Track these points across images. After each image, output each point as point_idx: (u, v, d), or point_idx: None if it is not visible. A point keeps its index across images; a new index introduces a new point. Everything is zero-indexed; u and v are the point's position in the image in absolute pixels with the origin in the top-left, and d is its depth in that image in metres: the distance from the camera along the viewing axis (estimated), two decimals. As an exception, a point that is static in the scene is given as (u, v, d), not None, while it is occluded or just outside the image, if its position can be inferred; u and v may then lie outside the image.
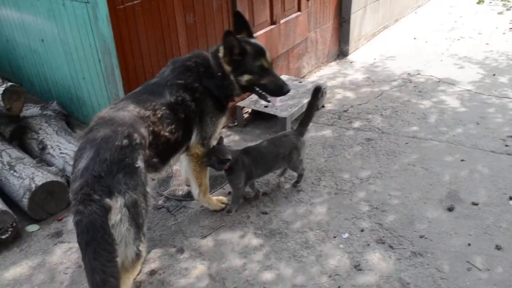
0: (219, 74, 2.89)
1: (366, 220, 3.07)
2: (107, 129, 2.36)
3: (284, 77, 4.82)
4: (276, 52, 4.66)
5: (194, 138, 2.94)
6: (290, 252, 2.84)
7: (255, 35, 4.27)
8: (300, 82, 4.73)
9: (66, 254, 2.90)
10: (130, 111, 2.55)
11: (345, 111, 4.55)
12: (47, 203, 3.15)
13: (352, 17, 6.00)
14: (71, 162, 3.22)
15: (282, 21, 4.69)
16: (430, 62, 5.91)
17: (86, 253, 2.09)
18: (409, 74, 5.50)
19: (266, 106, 4.15)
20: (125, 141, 2.31)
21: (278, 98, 3.14)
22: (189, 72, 2.86)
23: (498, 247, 2.85)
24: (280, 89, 3.04)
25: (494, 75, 5.39)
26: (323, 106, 4.65)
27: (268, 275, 2.68)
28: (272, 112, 4.06)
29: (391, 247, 2.86)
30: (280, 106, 4.10)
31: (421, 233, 2.96)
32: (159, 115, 2.64)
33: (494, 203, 3.20)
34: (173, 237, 3.00)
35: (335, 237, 2.95)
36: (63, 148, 3.41)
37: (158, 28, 3.38)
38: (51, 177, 3.17)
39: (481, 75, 5.42)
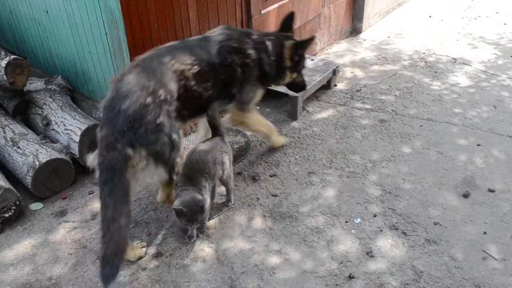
0: (273, 59, 3.13)
1: (379, 205, 2.98)
2: (136, 83, 2.51)
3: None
4: (288, 28, 4.51)
5: (233, 103, 3.13)
6: (300, 237, 2.76)
7: (268, 9, 4.19)
8: (312, 59, 4.58)
9: (70, 233, 2.83)
10: (164, 63, 2.65)
11: (358, 90, 4.42)
12: (51, 181, 3.08)
13: (366, -8, 5.81)
14: (76, 139, 3.19)
15: (294, -5, 4.53)
16: (445, 41, 5.73)
17: (102, 191, 2.37)
18: (423, 53, 5.33)
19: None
20: (148, 99, 2.48)
21: None
22: (248, 40, 3.05)
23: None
24: (303, 88, 3.55)
25: (511, 56, 5.22)
26: (335, 85, 4.51)
27: (277, 260, 2.62)
28: (283, 91, 3.93)
29: (404, 233, 2.78)
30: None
31: (435, 220, 2.87)
32: (195, 71, 2.73)
33: (511, 191, 3.10)
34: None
35: (346, 222, 2.87)
36: (67, 124, 3.32)
37: (167, 1, 3.24)
38: (56, 155, 3.09)
39: (497, 56, 5.24)
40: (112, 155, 2.38)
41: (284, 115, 3.97)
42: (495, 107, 4.09)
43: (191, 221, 2.57)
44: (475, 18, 6.69)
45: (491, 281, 2.49)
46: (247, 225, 2.86)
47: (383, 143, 3.62)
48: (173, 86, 2.61)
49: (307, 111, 4.06)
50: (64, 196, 3.13)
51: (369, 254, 2.64)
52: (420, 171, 3.29)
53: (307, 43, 3.27)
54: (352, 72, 4.85)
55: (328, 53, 5.39)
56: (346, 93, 4.37)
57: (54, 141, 3.32)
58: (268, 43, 3.12)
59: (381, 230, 2.80)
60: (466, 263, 2.60)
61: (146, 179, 2.67)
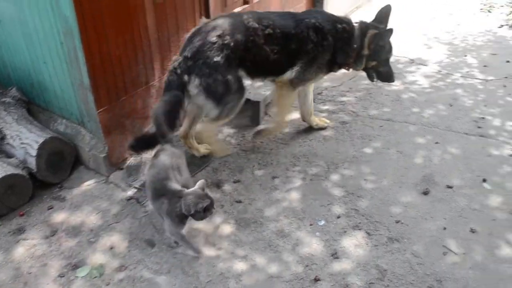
0: (355, 46, 3.35)
1: (342, 206, 3.02)
2: (212, 25, 3.07)
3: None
4: (247, 33, 4.53)
5: (290, 74, 3.32)
6: (266, 242, 2.77)
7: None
8: (273, 64, 4.61)
9: (29, 251, 2.74)
10: (241, 20, 3.12)
11: (319, 93, 4.47)
12: (7, 197, 2.96)
13: (325, -4, 5.89)
14: (33, 153, 3.10)
15: (255, 1, 4.54)
16: (403, 42, 5.86)
17: (160, 100, 3.05)
18: (381, 54, 5.45)
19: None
20: (214, 39, 2.97)
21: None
22: (331, 24, 3.28)
23: (472, 230, 2.85)
24: (390, 78, 3.63)
25: (465, 56, 5.40)
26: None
27: (243, 266, 2.61)
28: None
29: (367, 233, 2.83)
30: (252, 89, 3.99)
31: (397, 218, 2.93)
32: (267, 32, 3.11)
33: (468, 186, 3.21)
34: (143, 230, 2.88)
35: (311, 224, 2.89)
36: (23, 137, 3.21)
37: (124, 8, 3.18)
38: (11, 170, 2.98)
39: (452, 55, 5.43)
40: (172, 78, 3.03)
41: (247, 120, 3.97)
42: (451, 106, 4.22)
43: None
44: (430, 20, 6.89)
45: (452, 275, 2.56)
46: (211, 233, 2.84)
47: (344, 144, 3.67)
48: (240, 37, 3.04)
49: (269, 116, 4.07)
50: (21, 213, 3.02)
51: (334, 256, 2.67)
52: (381, 171, 3.35)
53: (386, 34, 3.38)
54: (313, 75, 4.90)
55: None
56: (308, 96, 4.42)
57: (9, 156, 3.21)
58: (355, 32, 3.36)
59: (345, 231, 2.84)
60: (427, 259, 2.66)
61: (199, 105, 3.18)
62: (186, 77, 2.99)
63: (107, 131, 3.30)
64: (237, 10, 4.26)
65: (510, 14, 7.19)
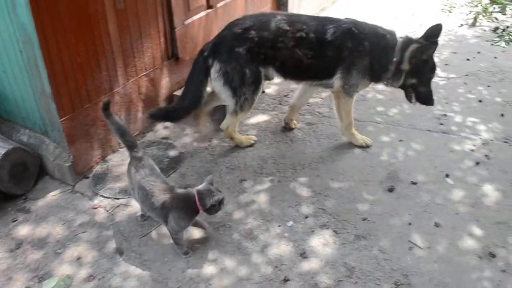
0: (394, 60, 3.26)
1: (310, 206, 3.06)
2: (241, 20, 3.31)
3: (222, 63, 4.71)
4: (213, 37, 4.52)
5: (337, 81, 3.37)
6: (235, 245, 2.77)
7: (192, 19, 4.17)
8: (239, 67, 4.63)
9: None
10: (273, 19, 3.25)
11: (285, 95, 4.50)
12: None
13: (290, -1, 5.95)
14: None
15: (219, 5, 4.54)
16: (367, 43, 5.98)
17: (187, 77, 3.45)
18: (347, 55, 5.54)
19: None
20: (240, 31, 3.21)
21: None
22: (370, 32, 3.28)
23: (436, 225, 2.92)
24: (429, 100, 3.45)
25: (427, 54, 5.53)
26: (263, 92, 4.57)
27: (213, 270, 2.61)
28: (211, 100, 3.94)
29: (335, 232, 2.87)
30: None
31: (364, 216, 2.98)
32: (298, 36, 3.21)
33: (431, 181, 3.29)
34: (111, 239, 2.84)
35: (279, 225, 2.91)
36: (-16, 150, 3.14)
37: (84, 15, 3.14)
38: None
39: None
40: (199, 58, 3.35)
41: (215, 124, 3.97)
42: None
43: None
44: (393, 20, 7.03)
45: (417, 269, 2.62)
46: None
47: (311, 145, 3.71)
48: (267, 35, 3.20)
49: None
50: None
51: (303, 255, 2.70)
52: (348, 170, 3.41)
53: (429, 48, 3.23)
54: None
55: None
56: (274, 99, 4.44)
57: (-31, 168, 3.13)
58: (397, 44, 3.26)
59: (313, 231, 2.87)
60: (394, 254, 2.71)
61: (216, 90, 3.38)
62: (210, 61, 3.26)
63: (72, 140, 3.25)
64: (201, 14, 4.26)
65: (469, 13, 7.40)
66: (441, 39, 6.09)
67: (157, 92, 3.99)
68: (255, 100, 3.42)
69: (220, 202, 2.58)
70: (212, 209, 2.58)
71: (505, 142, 3.78)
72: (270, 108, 4.27)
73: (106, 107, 2.70)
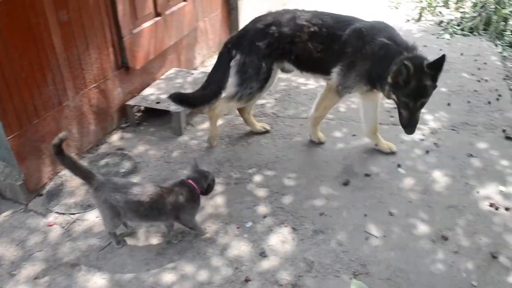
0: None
1: (268, 206, 3.09)
2: (264, 17, 3.48)
3: (174, 70, 4.69)
4: (164, 45, 4.51)
5: (334, 76, 3.35)
6: (194, 250, 2.77)
7: (141, 27, 4.14)
8: (192, 73, 4.63)
9: None
10: (291, 16, 3.39)
11: (239, 99, 4.54)
12: None
13: (240, 3, 5.99)
14: None
15: (167, 12, 4.53)
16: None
17: (212, 68, 3.65)
18: (298, 56, 5.63)
19: (158, 102, 4.01)
20: (262, 26, 3.38)
21: None
22: (377, 39, 3.17)
23: (391, 214, 3.02)
24: (405, 126, 3.16)
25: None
26: (217, 97, 4.60)
27: (173, 277, 2.59)
28: (164, 108, 3.93)
29: (293, 229, 2.91)
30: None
31: (321, 211, 3.04)
32: (312, 30, 3.29)
33: (384, 172, 3.39)
34: (68, 255, 2.78)
35: (238, 227, 2.93)
36: None
37: (25, 28, 3.06)
38: None
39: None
40: (223, 50, 3.55)
41: (169, 132, 3.96)
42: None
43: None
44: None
45: (374, 258, 2.69)
46: (139, 249, 2.80)
47: (267, 146, 3.75)
48: (287, 31, 3.32)
49: (192, 125, 4.09)
50: None
51: (262, 255, 2.72)
52: (303, 167, 3.46)
53: (408, 70, 2.89)
54: (233, 82, 4.97)
55: (209, 65, 5.45)
56: (229, 103, 4.47)
57: None
58: (402, 55, 3.03)
59: (272, 229, 2.90)
60: (351, 245, 2.78)
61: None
62: (233, 52, 3.44)
63: (22, 157, 3.16)
64: (149, 23, 4.24)
65: (415, 9, 7.67)
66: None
67: (109, 103, 3.94)
68: (255, 96, 3.55)
69: (213, 180, 2.77)
70: (209, 189, 2.77)
71: (453, 129, 3.94)
72: (225, 112, 4.29)
73: (58, 150, 2.52)
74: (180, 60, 4.97)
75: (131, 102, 4.06)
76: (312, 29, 3.30)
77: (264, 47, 3.35)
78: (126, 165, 3.56)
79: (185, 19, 4.86)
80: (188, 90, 4.18)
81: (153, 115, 4.18)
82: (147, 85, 4.38)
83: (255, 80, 3.42)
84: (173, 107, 3.86)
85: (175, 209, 2.65)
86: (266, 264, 2.66)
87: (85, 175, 2.61)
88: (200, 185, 2.70)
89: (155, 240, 2.85)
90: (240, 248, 2.77)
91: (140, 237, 2.88)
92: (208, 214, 3.03)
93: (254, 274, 2.59)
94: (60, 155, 2.51)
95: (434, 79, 2.99)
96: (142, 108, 4.25)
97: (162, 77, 4.54)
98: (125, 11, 3.88)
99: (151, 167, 3.53)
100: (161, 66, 4.63)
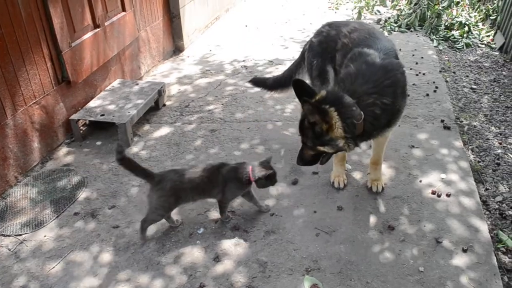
0: None
1: (218, 211, 3.10)
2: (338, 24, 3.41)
3: (119, 81, 4.63)
4: (105, 57, 4.45)
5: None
6: (147, 261, 2.74)
7: (80, 40, 4.07)
8: (137, 84, 4.59)
9: None
10: (347, 24, 3.33)
11: (186, 106, 4.54)
12: None
13: (182, 11, 6.00)
14: None
15: (107, 23, 4.48)
16: (262, 46, 6.19)
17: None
18: (243, 60, 5.70)
19: (102, 115, 3.95)
20: (320, 27, 3.50)
21: None
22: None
23: (339, 208, 3.10)
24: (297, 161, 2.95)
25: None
26: (164, 105, 4.58)
27: (127, 290, 2.57)
28: (109, 120, 3.87)
29: (245, 231, 2.94)
30: (117, 111, 3.94)
31: (272, 211, 3.09)
32: (344, 41, 3.17)
33: (331, 169, 3.47)
34: (17, 278, 2.68)
35: (190, 234, 2.93)
36: None
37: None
38: None
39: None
40: (303, 50, 3.63)
41: (117, 144, 3.89)
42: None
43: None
44: (286, 22, 7.34)
45: (325, 253, 2.76)
46: (91, 265, 2.74)
47: (216, 151, 3.77)
48: (333, 33, 3.29)
49: (139, 135, 4.05)
50: None
51: (216, 259, 2.73)
52: (252, 170, 3.50)
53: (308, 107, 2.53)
54: (179, 89, 4.96)
55: (154, 74, 5.44)
56: (176, 111, 4.46)
57: None
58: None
59: (224, 234, 2.92)
60: (302, 243, 2.83)
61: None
62: (306, 51, 3.52)
63: (-40, 182, 3.04)
64: (88, 35, 4.17)
65: (354, 9, 7.92)
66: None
67: (52, 119, 3.84)
68: None
69: (268, 178, 2.80)
70: (259, 182, 2.81)
71: (394, 123, 4.09)
72: (172, 120, 4.28)
73: (121, 157, 2.75)
74: (124, 71, 4.92)
75: (74, 117, 3.98)
76: (344, 41, 3.16)
77: (317, 44, 3.39)
78: (74, 180, 3.48)
79: (126, 29, 4.82)
80: (135, 100, 4.15)
81: (99, 128, 4.11)
82: (91, 98, 4.31)
83: (312, 77, 3.44)
84: (118, 119, 3.81)
85: (222, 185, 2.84)
86: (220, 268, 2.67)
87: (147, 175, 2.83)
88: (253, 174, 2.80)
89: (107, 255, 2.80)
90: (194, 254, 2.78)
91: (93, 250, 2.83)
92: (161, 224, 3.00)
93: (209, 280, 2.60)
94: (123, 161, 2.76)
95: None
96: (87, 121, 4.17)
97: (107, 89, 4.47)
98: (61, 25, 3.80)
99: (99, 181, 3.47)
100: (105, 78, 4.56)
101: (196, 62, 5.75)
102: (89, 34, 4.21)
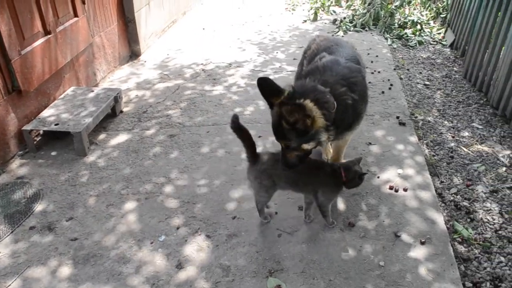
0: None
1: (180, 217, 3.07)
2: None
3: (73, 88, 4.51)
4: (58, 64, 4.32)
5: None
6: (108, 272, 2.68)
7: (31, 47, 3.93)
8: (92, 91, 4.48)
9: None
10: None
11: (144, 112, 4.47)
12: None
13: (137, 15, 5.90)
14: None
15: (58, 30, 4.35)
16: (220, 49, 6.18)
17: None
18: (202, 63, 5.67)
19: (56, 124, 3.83)
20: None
21: None
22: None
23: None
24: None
25: (276, 52, 5.88)
26: (121, 111, 4.49)
27: (87, 304, 2.50)
28: (64, 129, 3.76)
29: (207, 236, 2.92)
30: (72, 120, 3.84)
31: (233, 214, 3.08)
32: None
33: (291, 169, 3.49)
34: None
35: (152, 242, 2.88)
36: None
37: None
38: None
39: (263, 54, 5.89)
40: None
41: (73, 153, 3.80)
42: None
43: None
44: (243, 24, 7.35)
45: (288, 253, 2.77)
46: (50, 280, 2.65)
47: (175, 156, 3.73)
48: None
49: (96, 144, 3.95)
50: None
51: (178, 267, 2.70)
52: (213, 174, 3.49)
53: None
54: (137, 95, 4.88)
55: (112, 80, 5.33)
56: (134, 117, 4.39)
57: None
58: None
59: (186, 240, 2.89)
60: (265, 245, 2.84)
61: None
62: None
63: None
64: (39, 42, 4.04)
65: (311, 9, 8.02)
66: (286, 36, 6.59)
67: (3, 131, 3.70)
68: None
69: (360, 177, 2.76)
70: (353, 181, 2.78)
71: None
72: (130, 127, 4.21)
73: (236, 125, 2.82)
74: (78, 78, 4.80)
75: (27, 127, 3.84)
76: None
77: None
78: (29, 192, 3.37)
79: (79, 35, 4.70)
80: (90, 108, 4.05)
81: (54, 138, 3.99)
82: (45, 107, 4.18)
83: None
84: (73, 127, 3.71)
85: (316, 185, 2.80)
86: (183, 276, 2.64)
87: (251, 153, 2.86)
88: (346, 174, 2.75)
89: (66, 269, 2.72)
90: (156, 263, 2.73)
91: (51, 265, 2.74)
92: (121, 233, 2.95)
93: (172, 287, 2.57)
94: (238, 129, 2.83)
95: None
96: (41, 132, 4.04)
97: (60, 97, 4.34)
98: (9, 32, 3.67)
99: (55, 193, 3.37)
100: (58, 86, 4.43)
101: (154, 67, 5.68)
102: (40, 41, 4.08)
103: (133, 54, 6.05)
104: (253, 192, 2.93)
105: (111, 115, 4.35)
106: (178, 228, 2.98)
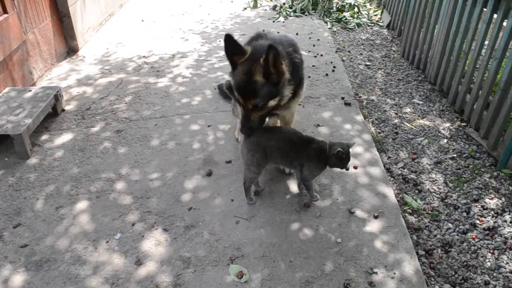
0: None
1: (135, 213, 3.01)
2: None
3: (8, 89, 4.28)
4: (-11, 65, 4.09)
5: None
6: (64, 276, 2.58)
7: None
8: (30, 90, 4.27)
9: None
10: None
11: (88, 109, 4.32)
12: None
13: (71, 10, 5.66)
14: None
15: (-14, 29, 4.11)
16: (161, 40, 6.06)
17: None
18: (144, 56, 5.54)
19: (-6, 128, 3.63)
20: None
21: None
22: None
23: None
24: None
25: (219, 41, 5.83)
26: (63, 110, 4.32)
27: (44, 311, 2.41)
28: (3, 132, 3.56)
29: (164, 229, 2.88)
30: (11, 122, 3.64)
31: (189, 206, 3.06)
32: None
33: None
34: None
35: (107, 241, 2.81)
36: None
37: None
38: None
39: (206, 43, 5.84)
40: None
41: (14, 157, 3.61)
42: (214, 89, 4.54)
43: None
44: (183, 14, 7.24)
45: (247, 239, 2.79)
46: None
47: (124, 152, 3.64)
48: None
49: (39, 145, 3.78)
50: None
51: (138, 263, 2.65)
52: (165, 167, 3.44)
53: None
54: (79, 92, 4.70)
55: (50, 78, 5.10)
56: (77, 115, 4.23)
57: None
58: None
59: (143, 235, 2.84)
60: (224, 233, 2.84)
61: None
62: None
63: None
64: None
65: (250, -4, 8.00)
66: (228, 24, 6.56)
67: None
68: None
69: (340, 157, 2.77)
70: (331, 160, 2.82)
71: (299, 104, 4.21)
72: (74, 125, 4.05)
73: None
74: (14, 78, 4.55)
75: (-38, 134, 3.61)
76: None
77: None
78: (-32, 203, 3.18)
79: (10, 33, 4.45)
80: (29, 108, 3.86)
81: (-8, 142, 3.79)
82: (-22, 110, 3.94)
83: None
84: (12, 130, 3.52)
85: (303, 159, 2.87)
86: (143, 272, 2.60)
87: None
88: (330, 151, 2.81)
89: (18, 277, 2.60)
90: (113, 262, 2.67)
91: (1, 275, 2.60)
92: (74, 235, 2.85)
93: (133, 285, 2.52)
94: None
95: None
96: (-23, 136, 3.81)
97: (-5, 99, 4.11)
98: None
99: (-2, 199, 3.21)
100: (-8, 88, 4.19)
101: (95, 62, 5.48)
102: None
103: (71, 50, 5.81)
104: (244, 170, 2.98)
105: (52, 115, 4.17)
106: (133, 225, 2.92)
